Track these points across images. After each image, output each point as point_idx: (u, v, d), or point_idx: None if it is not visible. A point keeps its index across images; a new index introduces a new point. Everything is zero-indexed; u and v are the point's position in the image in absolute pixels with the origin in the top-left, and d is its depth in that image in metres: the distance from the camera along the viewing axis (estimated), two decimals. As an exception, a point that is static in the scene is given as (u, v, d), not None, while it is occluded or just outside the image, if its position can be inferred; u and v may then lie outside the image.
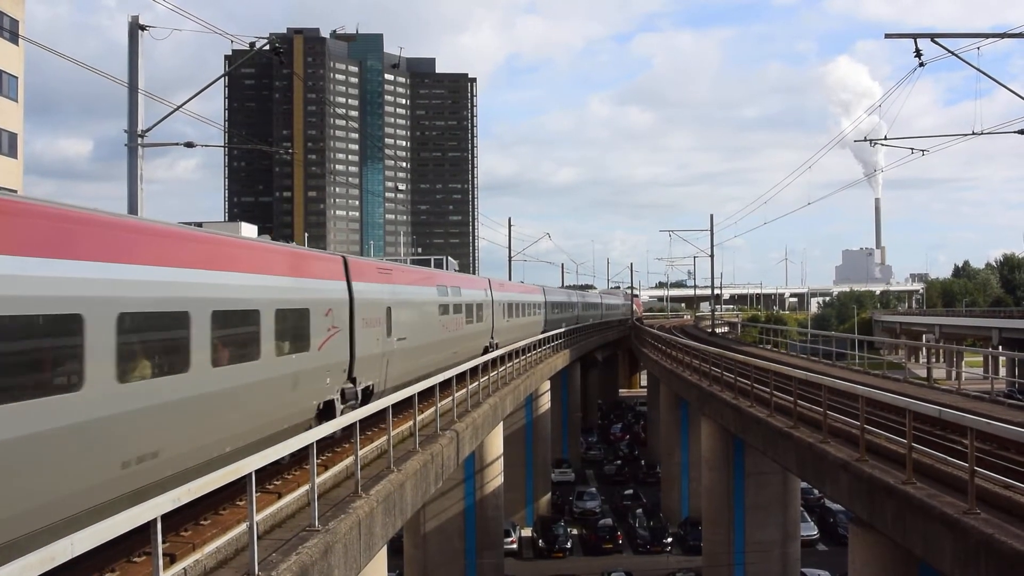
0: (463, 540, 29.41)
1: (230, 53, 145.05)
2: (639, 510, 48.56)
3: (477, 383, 22.65)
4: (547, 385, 47.61)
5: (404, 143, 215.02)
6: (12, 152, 48.92)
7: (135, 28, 20.29)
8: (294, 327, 13.35)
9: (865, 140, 29.58)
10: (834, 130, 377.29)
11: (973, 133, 25.21)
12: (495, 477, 30.55)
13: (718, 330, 78.20)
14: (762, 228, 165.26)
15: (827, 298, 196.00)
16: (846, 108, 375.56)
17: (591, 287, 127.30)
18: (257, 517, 8.56)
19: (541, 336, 38.08)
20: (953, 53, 21.56)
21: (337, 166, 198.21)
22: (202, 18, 19.51)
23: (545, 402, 50.07)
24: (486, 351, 30.20)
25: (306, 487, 11.02)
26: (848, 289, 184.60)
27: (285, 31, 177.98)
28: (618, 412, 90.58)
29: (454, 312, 25.69)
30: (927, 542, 11.65)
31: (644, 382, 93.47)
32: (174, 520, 9.41)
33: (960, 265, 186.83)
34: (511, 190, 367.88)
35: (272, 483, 12.08)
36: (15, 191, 29.02)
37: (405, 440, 16.28)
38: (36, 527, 7.46)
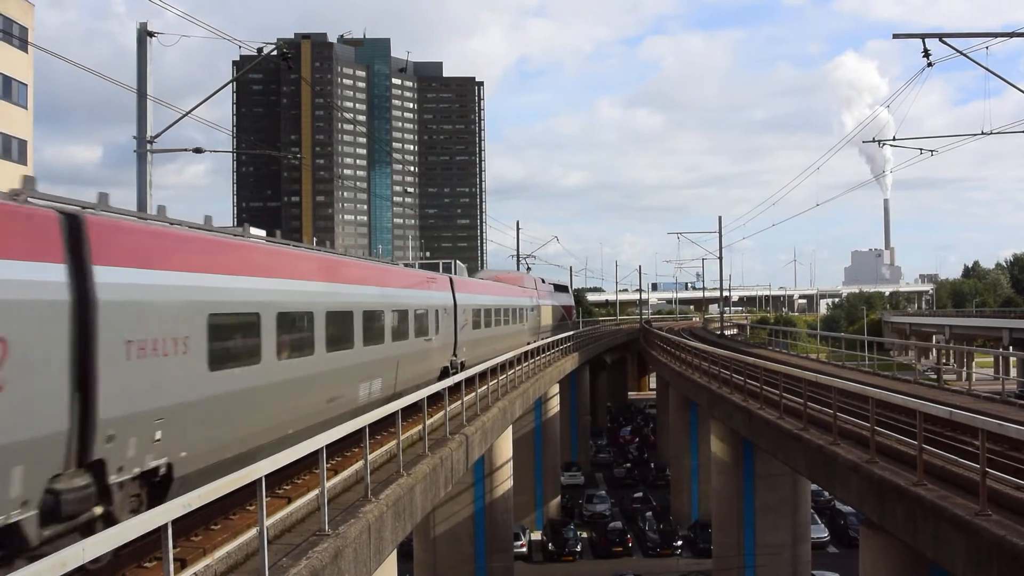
0: (473, 543, 29.39)
1: (238, 59, 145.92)
2: (649, 513, 48.56)
3: (486, 386, 22.65)
4: (556, 388, 47.61)
5: (412, 147, 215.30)
6: (22, 159, 49.15)
7: (144, 34, 20.40)
8: None
9: (874, 141, 29.48)
10: (839, 128, 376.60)
11: (982, 133, 25.12)
12: (505, 480, 30.54)
13: (727, 332, 78.09)
14: (771, 230, 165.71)
15: (836, 299, 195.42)
16: (848, 104, 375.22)
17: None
18: (267, 521, 8.59)
19: (509, 355, 27.69)
20: (962, 53, 21.49)
21: (345, 170, 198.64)
22: (210, 24, 19.61)
23: (554, 405, 50.08)
24: (445, 374, 22.73)
25: (316, 492, 11.02)
26: (857, 290, 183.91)
27: (293, 36, 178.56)
28: (627, 415, 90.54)
29: (391, 321, 17.98)
30: (938, 544, 11.60)
31: (653, 385, 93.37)
32: (184, 524, 9.43)
33: (970, 265, 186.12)
34: (520, 193, 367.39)
35: (282, 488, 12.09)
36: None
37: (415, 444, 16.29)
38: None
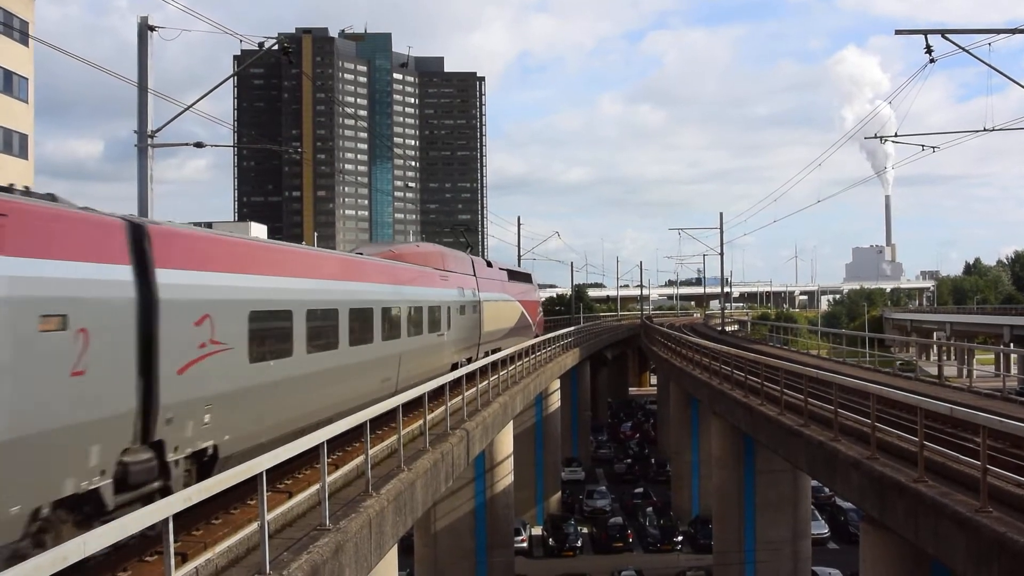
0: (473, 539, 29.42)
1: (239, 53, 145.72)
2: (649, 508, 48.56)
3: (487, 382, 22.63)
4: (557, 384, 47.61)
5: (413, 142, 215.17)
6: (23, 153, 49.12)
7: (145, 29, 20.36)
8: None
9: (876, 137, 29.44)
10: (840, 123, 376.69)
11: (984, 129, 25.08)
12: (505, 476, 30.56)
13: (728, 328, 78.09)
14: (772, 226, 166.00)
15: (837, 296, 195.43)
16: (850, 100, 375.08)
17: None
18: (268, 516, 8.58)
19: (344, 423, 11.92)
20: (964, 49, 21.45)
21: (346, 165, 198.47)
22: (211, 19, 19.58)
23: (555, 401, 50.09)
24: (167, 477, 9.68)
25: (317, 486, 11.03)
26: (858, 287, 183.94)
27: (294, 31, 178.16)
28: (628, 410, 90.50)
29: None
30: (939, 540, 11.60)
31: (654, 380, 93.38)
32: (185, 519, 9.43)
33: (971, 262, 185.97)
34: (522, 189, 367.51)
35: (283, 482, 12.09)
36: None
37: (415, 439, 16.30)
38: None
